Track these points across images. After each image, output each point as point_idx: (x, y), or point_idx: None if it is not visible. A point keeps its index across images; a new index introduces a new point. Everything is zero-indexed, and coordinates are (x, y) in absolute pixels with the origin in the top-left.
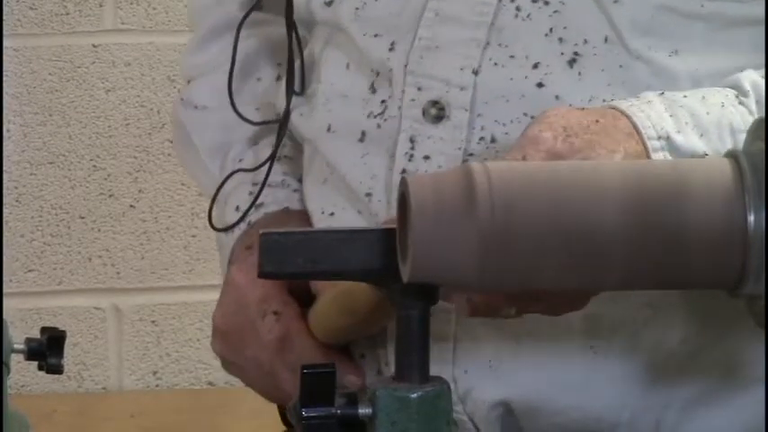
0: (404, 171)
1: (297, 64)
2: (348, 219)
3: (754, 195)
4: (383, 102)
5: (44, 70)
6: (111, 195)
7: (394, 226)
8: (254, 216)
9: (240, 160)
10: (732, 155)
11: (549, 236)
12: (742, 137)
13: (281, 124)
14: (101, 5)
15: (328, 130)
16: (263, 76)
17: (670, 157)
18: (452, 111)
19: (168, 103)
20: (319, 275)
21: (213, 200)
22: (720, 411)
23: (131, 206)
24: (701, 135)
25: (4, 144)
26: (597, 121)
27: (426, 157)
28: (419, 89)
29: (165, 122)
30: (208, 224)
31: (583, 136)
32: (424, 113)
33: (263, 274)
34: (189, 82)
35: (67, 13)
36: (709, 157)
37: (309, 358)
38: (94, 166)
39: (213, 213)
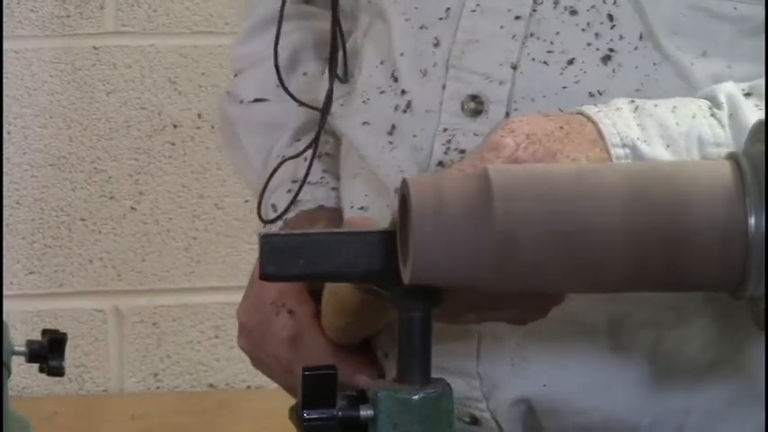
0: (440, 164)
1: (340, 55)
2: (378, 214)
3: (755, 197)
4: (404, 92)
5: (45, 72)
6: (111, 197)
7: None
8: (290, 213)
9: (282, 157)
10: (732, 156)
11: (549, 237)
12: (710, 149)
13: (323, 110)
14: (101, 8)
15: (363, 123)
16: (308, 70)
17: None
18: (490, 105)
19: (169, 106)
20: (320, 277)
21: (261, 195)
22: (742, 420)
23: (132, 208)
24: (668, 146)
25: (5, 146)
26: (561, 128)
27: (462, 151)
28: (459, 83)
29: (166, 125)
30: (208, 226)
31: (545, 144)
32: (462, 107)
33: (264, 276)
34: (236, 75)
35: (68, 16)
36: (710, 159)
37: (320, 356)
38: (95, 168)
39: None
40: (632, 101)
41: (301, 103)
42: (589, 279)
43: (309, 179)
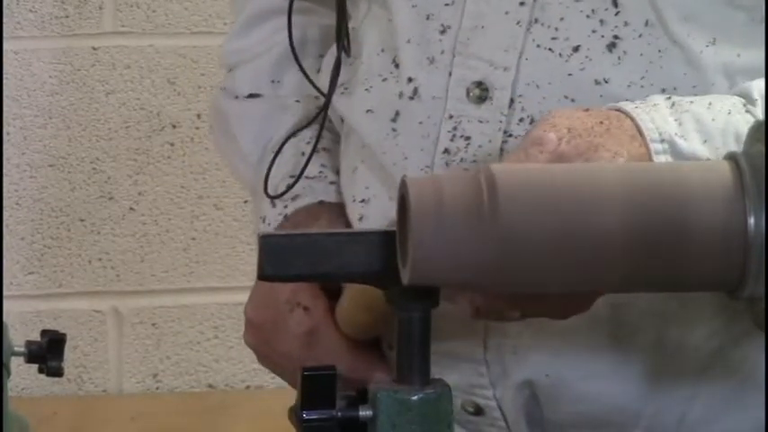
0: (446, 151)
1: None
2: (380, 206)
3: (754, 197)
4: (410, 80)
5: (44, 73)
6: (110, 198)
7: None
8: (289, 209)
9: (281, 153)
10: (732, 157)
11: (549, 238)
12: None
13: (331, 80)
14: (100, 8)
15: (366, 111)
16: (305, 66)
17: (672, 161)
18: (495, 92)
19: (168, 106)
20: (320, 278)
21: (266, 177)
22: (745, 412)
23: (131, 209)
24: (705, 141)
25: (4, 147)
26: (601, 123)
27: (467, 138)
28: (464, 70)
29: (165, 125)
30: (207, 227)
31: (587, 138)
32: (468, 94)
33: (263, 277)
34: (229, 70)
35: (67, 16)
36: (709, 159)
37: (336, 353)
38: (94, 168)
39: (252, 205)
40: (669, 97)
41: (313, 85)
42: (589, 279)
43: (308, 173)
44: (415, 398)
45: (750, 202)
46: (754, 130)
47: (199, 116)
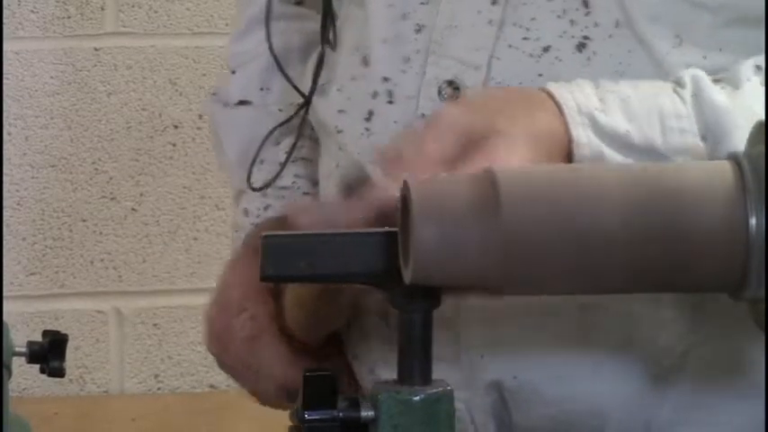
0: None
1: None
2: None
3: (755, 198)
4: (386, 79)
5: (45, 74)
6: (112, 198)
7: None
8: (260, 218)
9: (262, 161)
10: (733, 157)
11: (550, 238)
12: (671, 122)
13: (314, 76)
14: (102, 9)
15: (339, 111)
16: (293, 73)
17: (592, 135)
18: (466, 91)
19: (170, 107)
20: (321, 278)
21: (249, 171)
22: (715, 416)
23: (133, 209)
24: (630, 120)
25: (6, 147)
26: (515, 97)
27: None
28: (437, 68)
29: (167, 125)
30: (209, 227)
31: (492, 105)
32: (440, 92)
33: (264, 278)
34: (233, 71)
35: (69, 17)
36: (711, 160)
37: (276, 360)
38: (96, 169)
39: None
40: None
41: (296, 89)
42: (591, 280)
43: (282, 183)
44: (416, 398)
45: (751, 202)
46: (755, 131)
47: (200, 116)
